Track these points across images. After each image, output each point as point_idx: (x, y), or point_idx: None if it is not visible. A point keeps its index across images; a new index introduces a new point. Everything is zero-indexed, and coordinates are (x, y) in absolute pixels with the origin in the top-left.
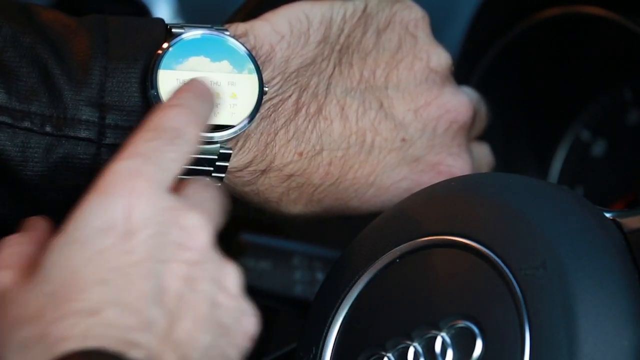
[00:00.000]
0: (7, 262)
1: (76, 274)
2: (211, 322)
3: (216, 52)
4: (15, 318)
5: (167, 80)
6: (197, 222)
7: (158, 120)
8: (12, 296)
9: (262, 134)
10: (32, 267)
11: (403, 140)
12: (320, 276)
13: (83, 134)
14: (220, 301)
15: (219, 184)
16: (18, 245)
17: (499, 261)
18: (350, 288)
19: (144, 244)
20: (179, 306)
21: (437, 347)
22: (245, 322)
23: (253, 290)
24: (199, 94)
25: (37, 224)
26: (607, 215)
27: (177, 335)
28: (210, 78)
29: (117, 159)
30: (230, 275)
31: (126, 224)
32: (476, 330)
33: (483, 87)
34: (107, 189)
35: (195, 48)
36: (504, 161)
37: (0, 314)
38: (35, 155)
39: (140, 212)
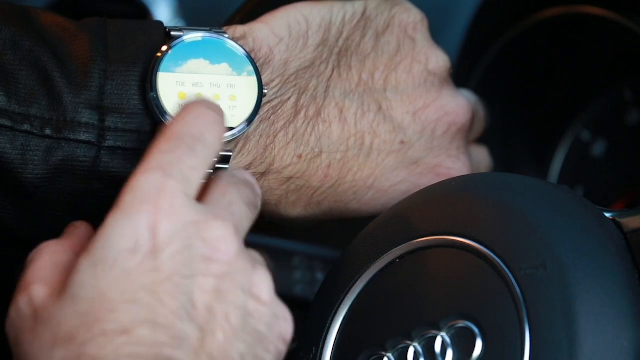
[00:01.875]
0: (40, 275)
1: (105, 294)
2: (244, 331)
3: (215, 55)
4: (49, 339)
5: (167, 83)
6: (221, 233)
7: (177, 126)
8: (45, 315)
9: (261, 136)
10: (64, 282)
11: (402, 142)
12: (320, 276)
13: (83, 136)
14: (251, 309)
15: (252, 176)
16: (52, 254)
17: (499, 261)
18: (350, 288)
19: (170, 261)
20: (209, 319)
21: (437, 347)
22: (279, 326)
23: None
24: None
25: (76, 230)
26: (607, 215)
27: (209, 349)
28: (209, 80)
29: (136, 173)
30: (260, 282)
31: (151, 242)
32: (476, 330)
33: (483, 87)
34: (129, 208)
35: (195, 50)
36: (504, 161)
37: (34, 333)
38: (35, 158)
39: (164, 229)
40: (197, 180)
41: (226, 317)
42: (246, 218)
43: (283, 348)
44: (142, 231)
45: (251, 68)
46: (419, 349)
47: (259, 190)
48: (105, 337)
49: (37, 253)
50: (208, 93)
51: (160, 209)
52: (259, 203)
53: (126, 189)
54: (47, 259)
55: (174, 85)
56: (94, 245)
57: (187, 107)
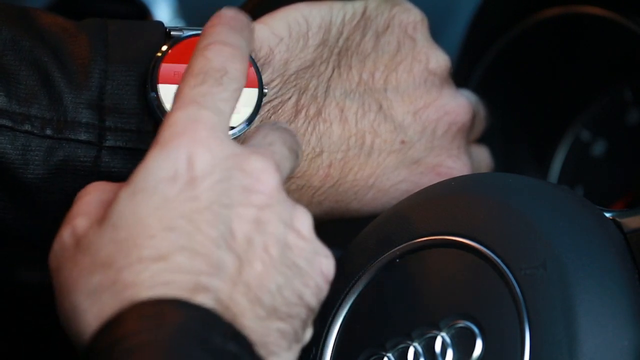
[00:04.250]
0: (84, 209)
1: (143, 221)
2: (283, 263)
3: None
4: (87, 265)
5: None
6: (262, 165)
7: (199, 64)
8: (85, 243)
9: None
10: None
11: (402, 142)
12: None
13: (83, 136)
14: (291, 242)
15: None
16: (100, 192)
17: (499, 261)
18: (350, 288)
19: (209, 191)
20: (248, 249)
21: (437, 347)
22: (319, 262)
23: None
24: (230, 24)
25: None
26: (607, 215)
27: (247, 278)
28: None
29: (171, 111)
30: (301, 217)
31: (190, 172)
32: (476, 330)
33: (483, 87)
34: (167, 141)
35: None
36: (504, 161)
37: (75, 260)
38: (36, 158)
39: (202, 160)
40: (229, 112)
41: (265, 248)
42: (287, 159)
43: (324, 285)
44: (180, 162)
45: (251, 68)
46: (419, 349)
47: (299, 141)
48: (141, 264)
49: (85, 190)
50: None
51: (198, 140)
52: (299, 152)
53: (164, 126)
54: (93, 195)
55: (174, 86)
56: (134, 177)
57: (203, 45)
